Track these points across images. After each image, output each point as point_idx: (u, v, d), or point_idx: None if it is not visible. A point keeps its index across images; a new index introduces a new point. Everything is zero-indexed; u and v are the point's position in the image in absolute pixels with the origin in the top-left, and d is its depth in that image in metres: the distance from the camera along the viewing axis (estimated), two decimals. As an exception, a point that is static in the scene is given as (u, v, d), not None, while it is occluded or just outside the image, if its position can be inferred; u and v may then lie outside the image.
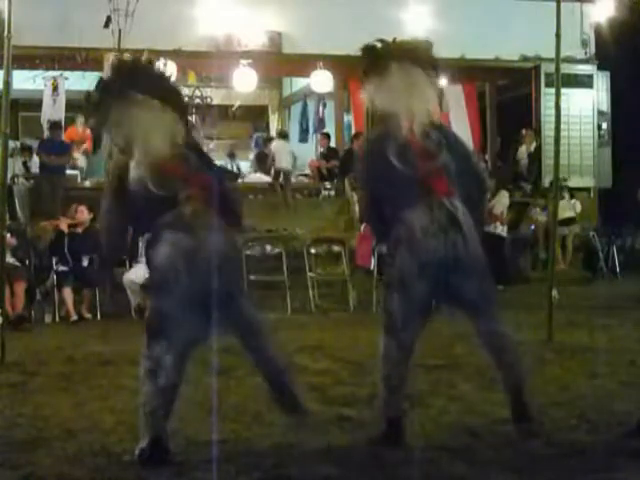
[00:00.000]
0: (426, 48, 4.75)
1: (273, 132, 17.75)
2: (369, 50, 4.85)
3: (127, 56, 4.59)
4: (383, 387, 4.50)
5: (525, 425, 4.57)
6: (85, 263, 10.15)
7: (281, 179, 14.54)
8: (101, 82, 4.63)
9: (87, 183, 13.97)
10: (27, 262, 10.00)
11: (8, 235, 8.08)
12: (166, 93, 4.45)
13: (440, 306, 4.67)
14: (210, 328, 4.23)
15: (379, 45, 4.79)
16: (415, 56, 4.64)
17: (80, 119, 14.76)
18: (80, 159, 14.45)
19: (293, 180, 15.56)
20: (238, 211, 4.63)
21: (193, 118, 15.66)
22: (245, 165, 16.51)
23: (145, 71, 4.49)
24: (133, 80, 4.42)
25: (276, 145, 15.31)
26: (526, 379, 4.64)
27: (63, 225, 10.24)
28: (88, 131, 14.87)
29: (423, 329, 4.61)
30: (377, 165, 4.51)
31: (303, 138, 17.17)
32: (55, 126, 13.37)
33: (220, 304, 4.15)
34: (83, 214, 10.29)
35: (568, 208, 13.39)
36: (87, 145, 14.75)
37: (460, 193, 4.47)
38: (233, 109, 16.70)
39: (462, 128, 15.77)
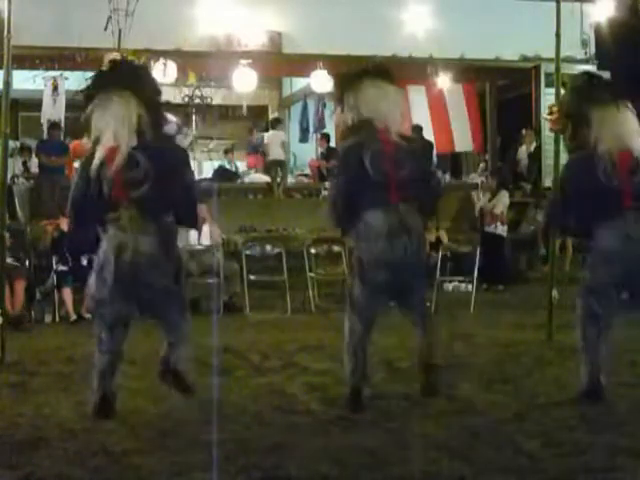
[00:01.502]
0: (386, 65, 5.62)
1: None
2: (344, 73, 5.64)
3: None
4: (349, 359, 5.25)
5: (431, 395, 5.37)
6: (84, 262, 10.14)
7: (279, 176, 14.55)
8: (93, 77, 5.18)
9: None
10: (27, 262, 9.98)
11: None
12: (137, 87, 4.98)
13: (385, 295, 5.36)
14: (132, 310, 5.09)
15: (352, 68, 5.60)
16: (382, 71, 5.45)
17: (87, 137, 14.71)
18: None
19: (292, 180, 15.57)
20: (191, 213, 5.29)
21: (193, 118, 15.72)
22: (243, 165, 16.50)
23: (125, 67, 5.23)
24: (113, 75, 5.08)
25: (268, 136, 15.38)
26: (438, 371, 5.46)
27: (63, 225, 10.22)
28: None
29: (382, 310, 5.44)
30: (352, 168, 5.24)
31: (304, 138, 17.17)
32: (54, 126, 13.35)
33: (144, 294, 4.99)
34: None
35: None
36: None
37: (415, 200, 5.25)
38: (243, 111, 16.73)
39: (462, 128, 15.79)
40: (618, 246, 5.20)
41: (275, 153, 14.81)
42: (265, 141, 15.43)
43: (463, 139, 15.86)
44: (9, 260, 9.06)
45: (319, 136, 16.29)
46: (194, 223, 5.75)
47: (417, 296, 5.45)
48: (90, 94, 5.04)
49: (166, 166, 4.96)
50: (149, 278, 4.95)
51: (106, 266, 4.93)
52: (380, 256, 5.18)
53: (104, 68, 5.22)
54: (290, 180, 15.59)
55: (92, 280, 5.06)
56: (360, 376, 5.27)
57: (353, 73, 5.52)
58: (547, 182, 13.08)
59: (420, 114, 15.11)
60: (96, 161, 4.87)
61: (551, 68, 9.61)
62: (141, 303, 5.09)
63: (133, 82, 5.00)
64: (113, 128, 4.87)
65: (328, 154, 15.27)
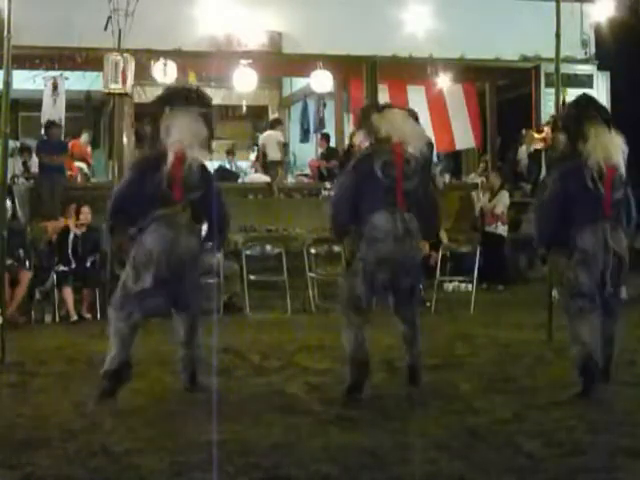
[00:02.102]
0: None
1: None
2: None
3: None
4: (350, 346, 5.53)
5: (416, 387, 5.72)
6: (88, 264, 10.13)
7: (278, 176, 14.62)
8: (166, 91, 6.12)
9: (87, 183, 13.97)
10: (27, 262, 9.97)
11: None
12: (207, 114, 5.86)
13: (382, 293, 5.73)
14: (166, 300, 5.64)
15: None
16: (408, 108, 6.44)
17: (85, 136, 14.78)
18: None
19: (292, 180, 15.58)
20: (223, 233, 5.98)
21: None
22: (245, 165, 16.50)
23: (199, 93, 6.11)
24: (191, 96, 5.92)
25: (265, 137, 15.46)
26: (421, 361, 5.81)
27: (72, 224, 10.19)
28: (89, 149, 14.94)
29: (375, 305, 5.79)
30: (362, 173, 5.67)
31: (304, 138, 17.16)
32: (52, 125, 13.34)
33: (178, 286, 5.56)
34: (87, 215, 10.25)
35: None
36: (85, 162, 14.78)
37: (416, 209, 5.66)
38: (243, 110, 16.76)
39: (463, 126, 15.78)
40: (598, 249, 5.60)
41: (272, 154, 14.86)
42: (261, 142, 15.47)
43: (464, 137, 15.85)
44: (9, 262, 9.07)
45: (319, 136, 16.27)
46: (220, 245, 6.27)
47: (415, 297, 5.88)
48: (165, 102, 5.78)
49: (209, 180, 5.81)
50: (189, 272, 5.59)
51: (154, 258, 5.43)
52: (386, 256, 5.54)
53: (179, 86, 6.35)
54: (290, 180, 15.59)
55: (139, 267, 5.47)
56: (361, 359, 5.51)
57: (379, 104, 6.49)
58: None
59: (420, 114, 15.09)
60: (168, 162, 5.47)
61: (551, 68, 9.65)
62: (176, 294, 5.63)
63: (207, 109, 5.90)
64: (189, 138, 5.57)
65: (328, 154, 15.27)
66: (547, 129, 12.90)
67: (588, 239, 5.61)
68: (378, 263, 5.54)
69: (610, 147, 5.81)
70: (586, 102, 6.17)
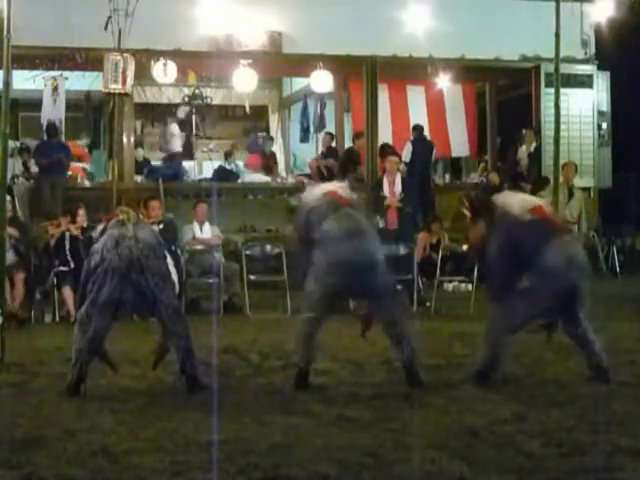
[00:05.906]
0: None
1: (273, 132, 17.76)
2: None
3: None
4: (300, 346, 5.96)
5: (416, 386, 5.81)
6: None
7: None
8: None
9: (87, 183, 13.97)
10: (28, 258, 9.99)
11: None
12: None
13: (352, 296, 6.23)
14: (126, 295, 5.69)
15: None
16: None
17: (85, 140, 14.81)
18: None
19: (293, 180, 15.62)
20: None
21: (193, 118, 15.76)
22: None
23: None
24: None
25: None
26: (416, 357, 5.93)
27: (73, 228, 10.14)
28: (86, 150, 14.96)
29: (333, 309, 6.20)
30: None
31: (304, 138, 17.15)
32: (51, 127, 13.32)
33: (137, 280, 5.67)
34: (84, 217, 10.23)
35: (573, 209, 13.25)
36: (84, 163, 14.84)
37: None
38: (247, 110, 16.81)
39: (460, 133, 15.76)
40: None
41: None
42: None
43: (460, 144, 15.81)
44: (10, 254, 9.06)
45: (322, 135, 16.21)
46: None
47: (384, 296, 5.99)
48: None
49: None
50: (147, 263, 5.75)
51: (105, 256, 5.76)
52: (337, 260, 5.80)
53: None
54: (290, 180, 15.60)
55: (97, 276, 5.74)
56: (307, 359, 5.95)
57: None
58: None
59: (418, 115, 15.09)
60: None
61: (551, 68, 9.62)
62: None
63: None
64: None
65: (328, 153, 15.24)
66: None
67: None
68: (332, 266, 5.78)
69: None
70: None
